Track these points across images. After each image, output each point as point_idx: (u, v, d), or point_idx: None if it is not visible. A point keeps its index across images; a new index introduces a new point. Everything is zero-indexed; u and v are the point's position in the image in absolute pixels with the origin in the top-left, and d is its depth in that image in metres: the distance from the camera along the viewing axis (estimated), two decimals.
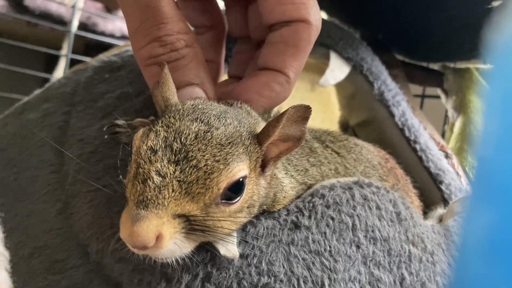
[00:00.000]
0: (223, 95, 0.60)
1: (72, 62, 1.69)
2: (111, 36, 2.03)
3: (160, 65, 0.53)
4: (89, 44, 2.11)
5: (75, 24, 1.75)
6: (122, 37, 2.04)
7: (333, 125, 1.03)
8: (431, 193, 0.76)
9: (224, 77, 0.73)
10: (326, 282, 0.51)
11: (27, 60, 1.90)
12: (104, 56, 0.82)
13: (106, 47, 1.58)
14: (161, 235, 0.41)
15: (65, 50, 1.74)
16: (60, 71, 1.74)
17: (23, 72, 1.72)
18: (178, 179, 0.42)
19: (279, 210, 0.55)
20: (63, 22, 1.86)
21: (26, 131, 0.74)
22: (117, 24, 2.07)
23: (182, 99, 0.53)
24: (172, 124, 0.45)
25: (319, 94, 1.05)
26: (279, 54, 0.59)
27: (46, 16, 1.87)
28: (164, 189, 0.41)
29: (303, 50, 0.59)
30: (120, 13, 2.10)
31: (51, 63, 1.98)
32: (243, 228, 0.52)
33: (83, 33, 1.86)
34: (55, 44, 1.84)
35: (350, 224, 0.56)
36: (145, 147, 0.44)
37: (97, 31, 1.98)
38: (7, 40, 1.70)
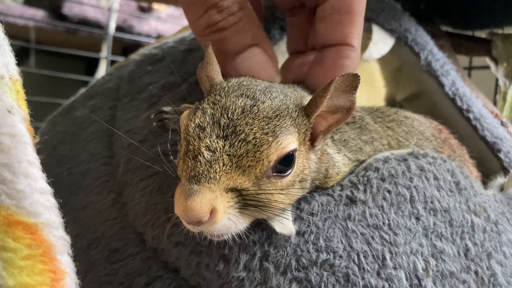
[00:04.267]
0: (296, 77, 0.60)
1: (112, 64, 1.72)
2: (148, 36, 2.06)
3: (219, 32, 0.54)
4: (127, 47, 2.15)
5: (112, 26, 1.79)
6: (158, 37, 2.07)
7: (379, 104, 1.00)
8: (489, 162, 0.72)
9: None
10: (387, 256, 0.49)
11: (68, 67, 1.96)
12: (144, 50, 0.83)
13: None
14: (215, 209, 0.41)
15: (105, 52, 1.77)
16: (101, 73, 1.78)
17: (66, 78, 1.77)
18: (228, 153, 0.42)
19: (332, 186, 0.54)
20: (100, 27, 1.91)
21: (75, 128, 0.76)
22: (152, 24, 2.10)
23: (246, 62, 0.55)
24: (218, 101, 0.45)
25: (363, 72, 1.01)
26: (336, 25, 0.57)
27: (84, 22, 1.92)
28: (215, 163, 0.41)
29: (358, 13, 0.56)
30: (154, 13, 2.12)
31: (90, 69, 2.03)
32: (297, 206, 0.51)
33: (121, 35, 1.90)
34: (94, 49, 1.89)
35: (408, 196, 0.54)
36: (193, 125, 0.44)
37: (133, 33, 2.02)
38: (49, 47, 1.75)
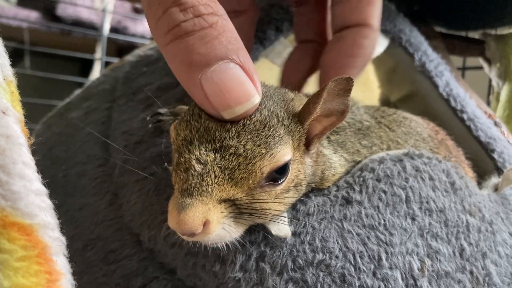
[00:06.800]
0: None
1: (106, 66, 1.72)
2: (142, 37, 2.06)
3: (182, 38, 0.42)
4: (121, 48, 2.15)
5: (106, 28, 1.78)
6: (153, 38, 2.07)
7: (374, 104, 1.01)
8: (483, 162, 0.73)
9: None
10: (383, 256, 0.49)
11: (62, 68, 1.95)
12: (140, 51, 0.83)
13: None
14: (208, 221, 0.41)
15: (99, 53, 1.77)
16: (95, 75, 1.77)
17: (61, 79, 1.77)
18: (219, 165, 0.42)
19: (328, 187, 0.54)
20: (94, 28, 1.90)
21: (71, 130, 0.75)
22: (146, 25, 2.08)
23: (216, 75, 0.41)
24: (202, 111, 0.44)
25: None
26: (356, 7, 0.59)
27: (78, 23, 1.91)
28: (206, 176, 0.41)
29: None
30: None
31: (84, 70, 2.02)
32: (293, 207, 0.51)
33: (115, 36, 1.89)
34: (88, 50, 1.88)
35: (404, 197, 0.54)
36: (180, 138, 0.44)
37: (128, 34, 2.01)
38: (43, 49, 1.74)
